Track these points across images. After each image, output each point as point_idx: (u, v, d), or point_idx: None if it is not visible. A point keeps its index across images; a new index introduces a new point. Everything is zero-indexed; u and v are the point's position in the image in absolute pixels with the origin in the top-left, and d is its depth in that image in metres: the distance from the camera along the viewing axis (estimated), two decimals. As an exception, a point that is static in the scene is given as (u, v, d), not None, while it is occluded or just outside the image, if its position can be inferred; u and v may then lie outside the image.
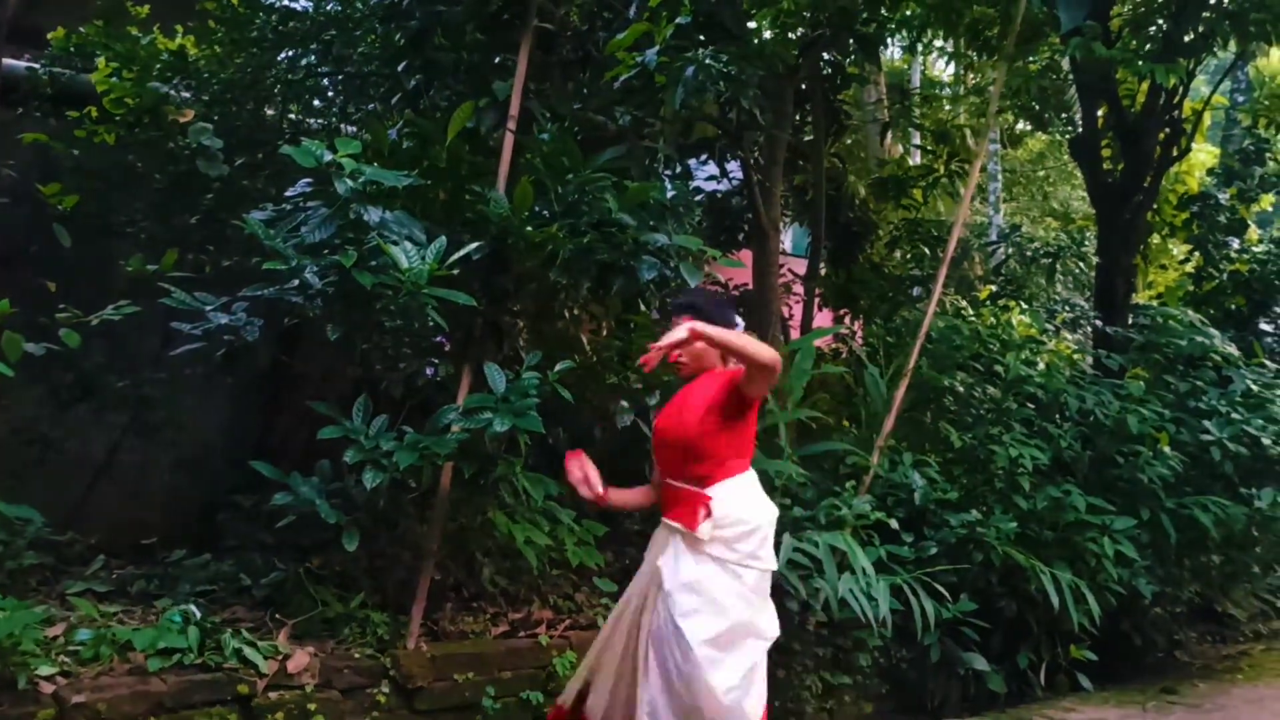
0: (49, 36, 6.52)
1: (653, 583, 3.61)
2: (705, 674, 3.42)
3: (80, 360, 5.31)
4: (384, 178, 4.45)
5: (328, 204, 4.40)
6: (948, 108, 13.19)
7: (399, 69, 5.98)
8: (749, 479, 3.72)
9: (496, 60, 5.90)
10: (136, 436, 6.05)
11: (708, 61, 5.87)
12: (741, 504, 3.64)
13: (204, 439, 6.46)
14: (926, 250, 10.29)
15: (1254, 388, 7.77)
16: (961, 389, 7.55)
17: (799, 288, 10.03)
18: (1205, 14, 8.17)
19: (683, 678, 3.45)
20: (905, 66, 14.62)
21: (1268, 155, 11.07)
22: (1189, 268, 11.37)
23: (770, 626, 3.66)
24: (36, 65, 6.38)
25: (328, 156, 4.33)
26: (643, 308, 5.92)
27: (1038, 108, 10.93)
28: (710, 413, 3.62)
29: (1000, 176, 15.45)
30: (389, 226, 4.41)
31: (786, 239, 12.60)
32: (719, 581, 3.54)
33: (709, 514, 3.55)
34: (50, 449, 5.80)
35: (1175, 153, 9.39)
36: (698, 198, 8.72)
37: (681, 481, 3.67)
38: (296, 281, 4.33)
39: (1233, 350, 8.28)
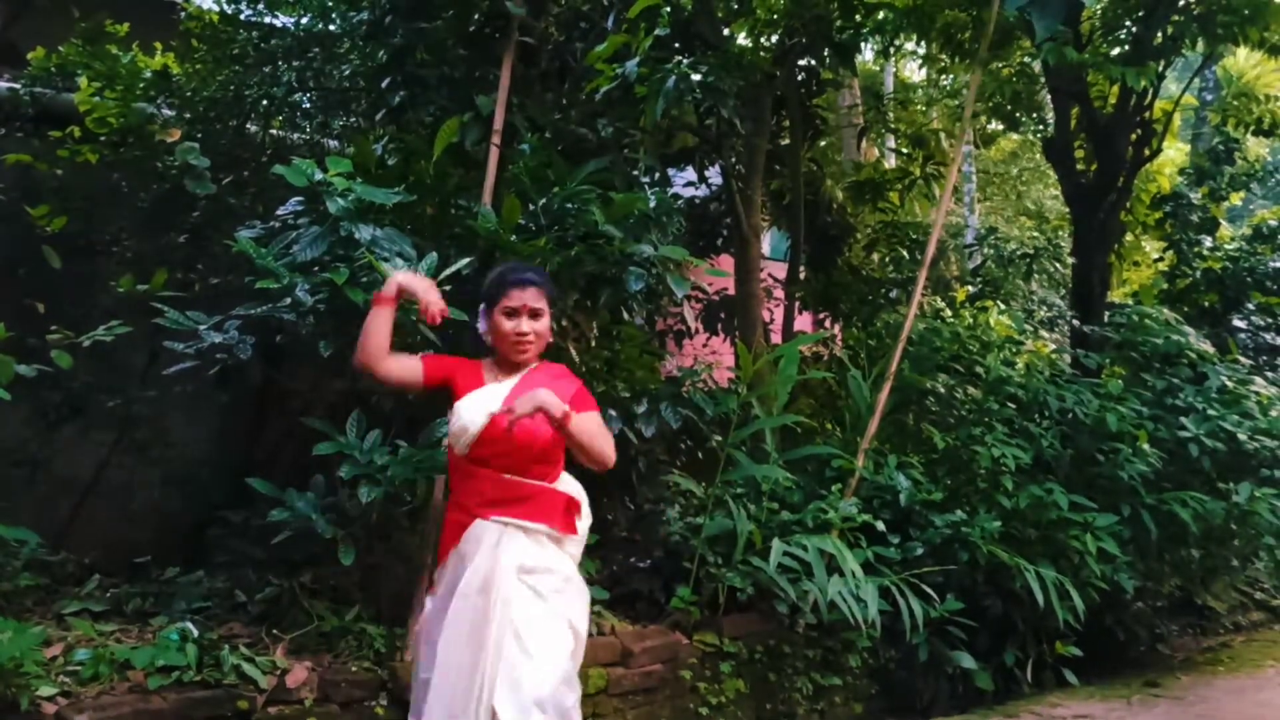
0: (29, 56, 6.53)
1: (502, 580, 3.28)
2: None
3: (68, 380, 5.33)
4: (374, 195, 4.49)
5: (318, 222, 4.44)
6: (921, 109, 13.31)
7: (382, 85, 6.01)
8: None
9: (478, 74, 5.95)
10: (125, 454, 6.06)
11: (687, 71, 5.95)
12: (583, 495, 3.56)
13: (192, 455, 6.47)
14: (905, 253, 10.39)
15: (1229, 384, 7.88)
16: (943, 390, 7.64)
17: (779, 292, 10.12)
18: (1174, 16, 8.30)
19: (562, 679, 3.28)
20: (878, 70, 14.73)
21: (1237, 154, 11.23)
22: (1163, 266, 11.52)
23: None
24: (17, 85, 6.38)
25: (318, 175, 4.37)
26: (625, 316, 5.98)
27: (1010, 109, 11.05)
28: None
29: (974, 177, 15.59)
30: (379, 243, 4.45)
31: (765, 243, 12.69)
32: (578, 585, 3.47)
33: (579, 512, 3.46)
34: (39, 469, 5.81)
35: (1147, 153, 9.51)
36: (677, 204, 8.79)
37: (525, 478, 3.39)
38: (289, 299, 4.37)
39: (1208, 347, 8.41)
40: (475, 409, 3.39)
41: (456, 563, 3.41)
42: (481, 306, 3.59)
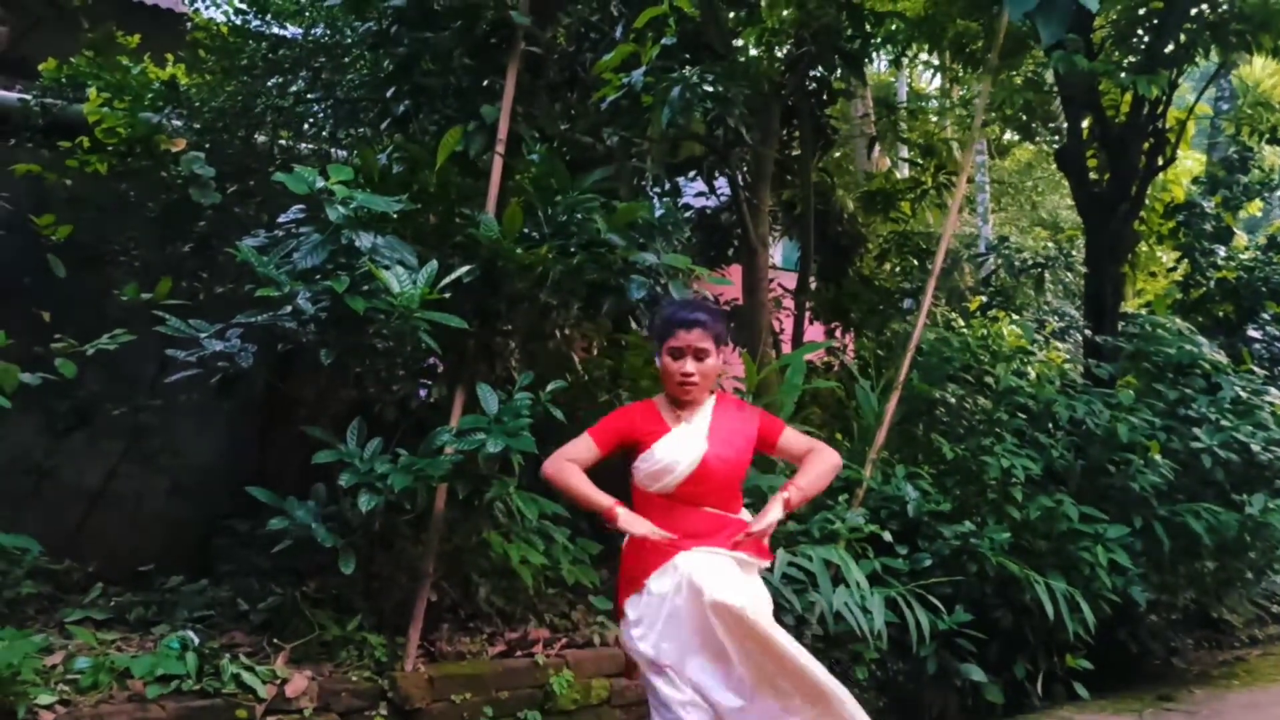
0: (40, 68, 6.58)
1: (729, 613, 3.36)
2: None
3: (76, 389, 5.35)
4: (375, 204, 4.49)
5: (320, 230, 4.45)
6: (934, 120, 13.28)
7: (388, 94, 6.03)
8: None
9: (484, 84, 5.95)
10: (132, 463, 6.07)
11: (694, 81, 5.94)
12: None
13: (200, 465, 6.48)
14: (916, 262, 10.35)
15: (1243, 395, 7.79)
16: (953, 400, 7.58)
17: (789, 302, 10.09)
18: (1186, 25, 8.25)
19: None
20: (892, 80, 14.73)
21: (1252, 163, 11.14)
22: (1177, 275, 11.43)
23: None
24: (28, 96, 6.43)
25: (320, 183, 4.38)
26: (634, 326, 5.96)
27: (1024, 119, 11.01)
28: (749, 450, 3.67)
29: (988, 188, 15.54)
30: (380, 251, 4.46)
31: (776, 253, 12.68)
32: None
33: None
34: (46, 478, 5.83)
35: (1160, 162, 9.44)
36: (687, 214, 8.78)
37: (723, 510, 3.60)
38: (290, 307, 4.37)
39: (1221, 358, 8.31)
40: (680, 450, 3.54)
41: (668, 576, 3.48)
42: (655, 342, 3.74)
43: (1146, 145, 9.24)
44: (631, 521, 3.45)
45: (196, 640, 4.46)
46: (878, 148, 12.60)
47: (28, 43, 6.32)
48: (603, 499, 3.52)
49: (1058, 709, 6.71)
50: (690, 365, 3.53)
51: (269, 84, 6.81)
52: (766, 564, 3.70)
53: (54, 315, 5.43)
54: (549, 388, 4.75)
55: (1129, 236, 9.76)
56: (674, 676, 3.40)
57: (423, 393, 5.53)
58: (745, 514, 3.70)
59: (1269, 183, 11.35)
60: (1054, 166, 14.07)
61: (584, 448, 3.61)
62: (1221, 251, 11.05)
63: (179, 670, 4.21)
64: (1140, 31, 8.77)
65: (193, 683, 4.20)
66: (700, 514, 3.55)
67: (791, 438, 3.75)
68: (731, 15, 8.51)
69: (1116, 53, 8.97)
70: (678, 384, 3.56)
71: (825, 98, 9.62)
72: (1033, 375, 7.95)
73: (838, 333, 10.54)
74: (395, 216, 4.74)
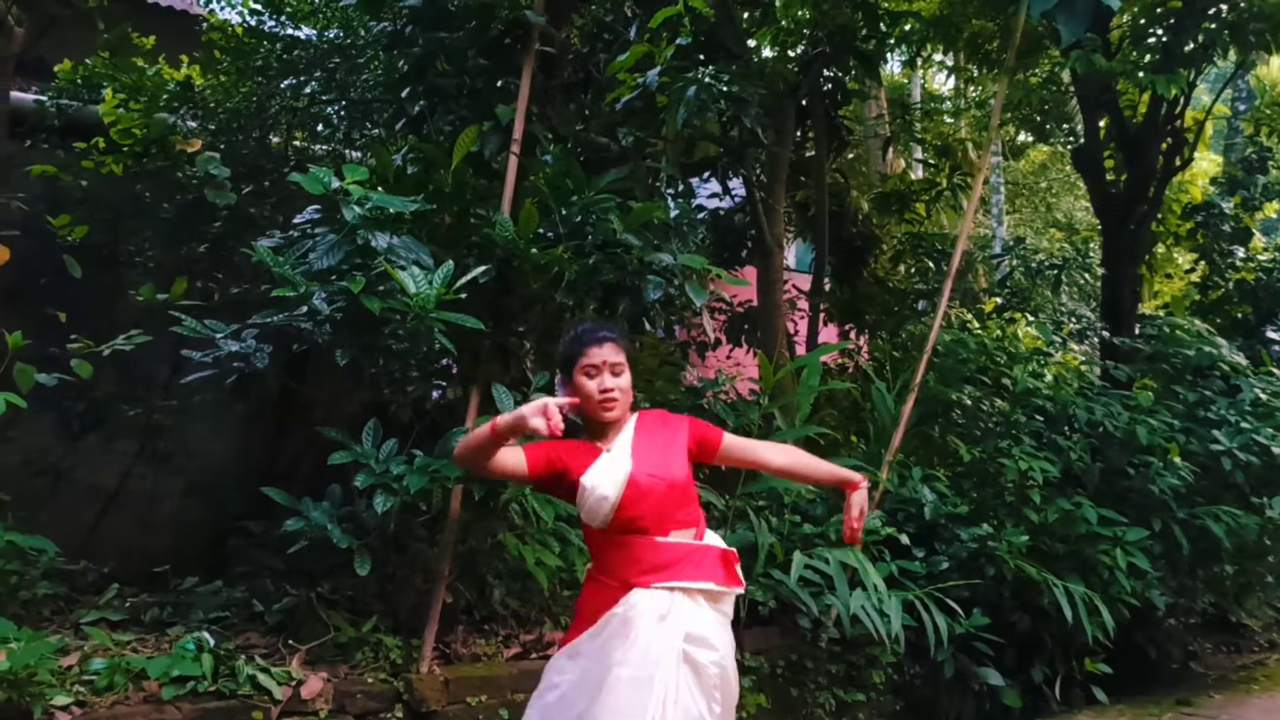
0: (55, 69, 6.60)
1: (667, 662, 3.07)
2: None
3: (91, 389, 5.35)
4: (390, 203, 4.48)
5: (335, 230, 4.43)
6: (949, 121, 13.23)
7: (402, 95, 6.02)
8: None
9: (499, 84, 5.94)
10: (147, 464, 6.08)
11: (709, 81, 5.91)
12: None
13: (214, 465, 6.49)
14: (931, 264, 10.29)
15: (1263, 396, 7.74)
16: (969, 402, 7.53)
17: (804, 303, 10.06)
18: (1204, 24, 8.19)
19: None
20: (906, 81, 14.69)
21: (1270, 164, 11.07)
22: (1195, 277, 11.36)
23: None
24: (44, 97, 6.45)
25: (335, 183, 4.36)
26: (649, 327, 5.94)
27: (1039, 119, 10.96)
28: (685, 462, 3.31)
29: (1003, 189, 15.46)
30: (396, 251, 4.44)
31: (790, 255, 12.64)
32: None
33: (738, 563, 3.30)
34: (61, 478, 5.84)
35: (1178, 162, 9.39)
36: (700, 215, 8.74)
37: (680, 533, 3.22)
38: (305, 308, 4.35)
39: (1240, 359, 8.25)
40: (605, 477, 3.18)
41: (613, 629, 3.13)
42: (559, 378, 3.39)
43: (1164, 146, 9.19)
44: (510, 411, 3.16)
45: (212, 641, 4.44)
46: (892, 149, 12.55)
47: (43, 44, 6.32)
48: (489, 423, 3.11)
49: (1076, 713, 6.67)
50: (609, 380, 3.21)
51: (283, 85, 6.81)
52: (739, 591, 3.33)
53: (69, 316, 5.43)
54: (564, 389, 4.72)
55: (1146, 238, 9.72)
56: None
57: (437, 394, 5.51)
58: (712, 536, 3.33)
59: (1288, 183, 11.27)
60: (1069, 167, 14.04)
61: (511, 454, 3.18)
62: (1240, 253, 10.98)
63: (194, 671, 4.19)
64: (1158, 31, 8.70)
65: (208, 684, 4.18)
66: (651, 545, 3.17)
67: (737, 440, 3.48)
68: (746, 15, 8.48)
69: (1134, 53, 8.91)
70: (598, 403, 3.22)
71: (840, 98, 9.58)
72: (1050, 377, 7.90)
73: (852, 334, 10.49)
74: (410, 217, 4.72)
